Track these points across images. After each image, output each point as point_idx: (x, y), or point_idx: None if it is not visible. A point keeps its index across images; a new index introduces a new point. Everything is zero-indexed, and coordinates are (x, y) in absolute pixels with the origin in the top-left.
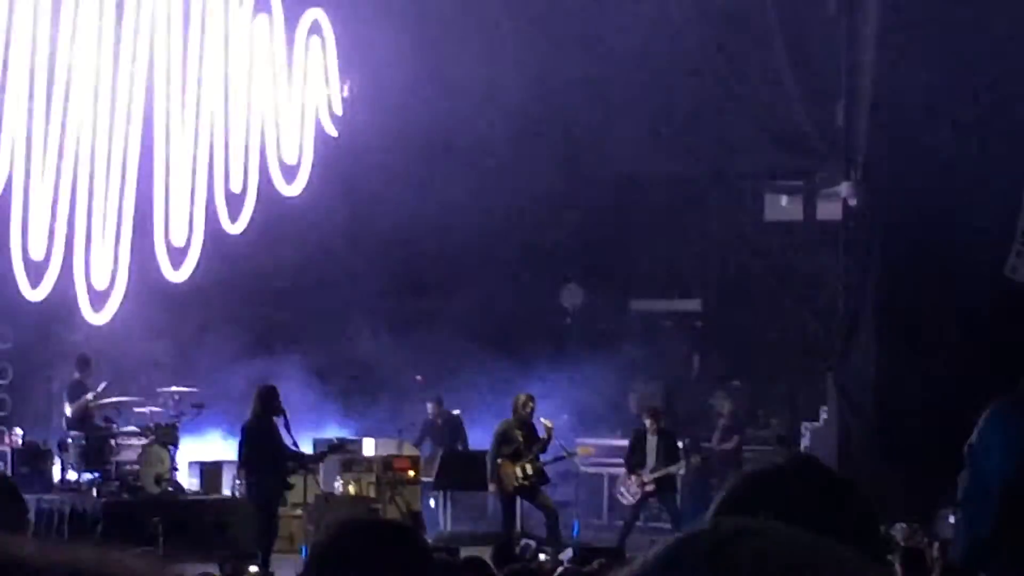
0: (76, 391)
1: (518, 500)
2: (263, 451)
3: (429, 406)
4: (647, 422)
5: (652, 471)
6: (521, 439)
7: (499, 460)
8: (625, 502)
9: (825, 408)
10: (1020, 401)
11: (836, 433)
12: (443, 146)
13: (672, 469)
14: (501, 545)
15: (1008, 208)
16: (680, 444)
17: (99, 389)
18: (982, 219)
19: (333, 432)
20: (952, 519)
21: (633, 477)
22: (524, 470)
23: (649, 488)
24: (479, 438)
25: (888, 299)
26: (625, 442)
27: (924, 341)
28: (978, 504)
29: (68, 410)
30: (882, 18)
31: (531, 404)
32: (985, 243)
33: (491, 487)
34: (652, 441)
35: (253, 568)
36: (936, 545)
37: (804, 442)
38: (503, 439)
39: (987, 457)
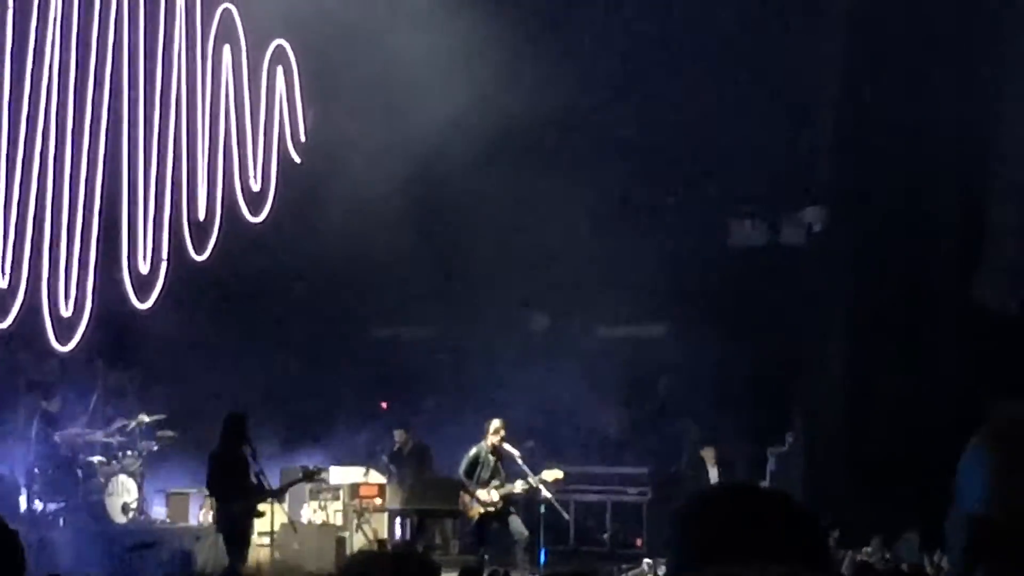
0: (45, 421)
1: (487, 525)
2: (231, 479)
3: (396, 433)
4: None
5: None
6: (492, 464)
7: (468, 484)
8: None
9: (790, 434)
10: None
11: (802, 458)
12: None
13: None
14: (469, 570)
15: (975, 232)
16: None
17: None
18: (948, 244)
19: (302, 460)
20: (916, 543)
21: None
22: (492, 495)
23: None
24: (440, 463)
25: (855, 325)
26: (595, 469)
27: (892, 367)
28: (957, 537)
29: (57, 437)
30: (848, 43)
31: (502, 430)
32: (952, 267)
33: (461, 510)
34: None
35: None
36: (903, 567)
37: (770, 467)
38: (474, 463)
39: (964, 492)
